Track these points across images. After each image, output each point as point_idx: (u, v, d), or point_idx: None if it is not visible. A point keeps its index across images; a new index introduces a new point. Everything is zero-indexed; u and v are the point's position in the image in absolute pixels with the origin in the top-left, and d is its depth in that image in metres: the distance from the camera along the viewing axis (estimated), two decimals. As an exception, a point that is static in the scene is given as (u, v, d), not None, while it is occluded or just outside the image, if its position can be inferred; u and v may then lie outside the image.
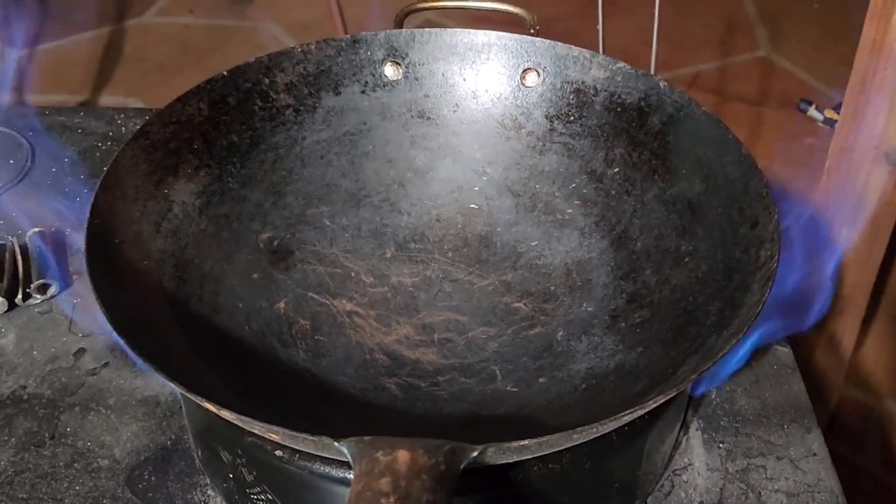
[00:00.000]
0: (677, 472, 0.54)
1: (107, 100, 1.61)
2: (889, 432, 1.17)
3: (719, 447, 0.56)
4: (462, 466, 0.38)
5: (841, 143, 0.89)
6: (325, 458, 0.45)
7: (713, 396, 0.59)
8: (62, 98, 1.59)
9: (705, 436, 0.56)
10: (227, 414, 0.41)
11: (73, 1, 1.88)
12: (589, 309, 0.56)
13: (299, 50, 0.62)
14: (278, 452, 0.46)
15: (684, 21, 1.78)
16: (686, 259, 0.54)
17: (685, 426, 0.57)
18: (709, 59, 1.71)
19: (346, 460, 0.39)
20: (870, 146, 0.86)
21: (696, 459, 0.55)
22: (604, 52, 0.64)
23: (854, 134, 0.87)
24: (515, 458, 0.43)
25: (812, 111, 1.53)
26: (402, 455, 0.36)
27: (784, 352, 0.61)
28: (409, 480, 0.35)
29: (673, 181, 0.57)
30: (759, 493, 0.53)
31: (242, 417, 0.40)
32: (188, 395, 0.42)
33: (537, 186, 0.62)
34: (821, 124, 1.53)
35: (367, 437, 0.38)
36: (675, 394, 0.42)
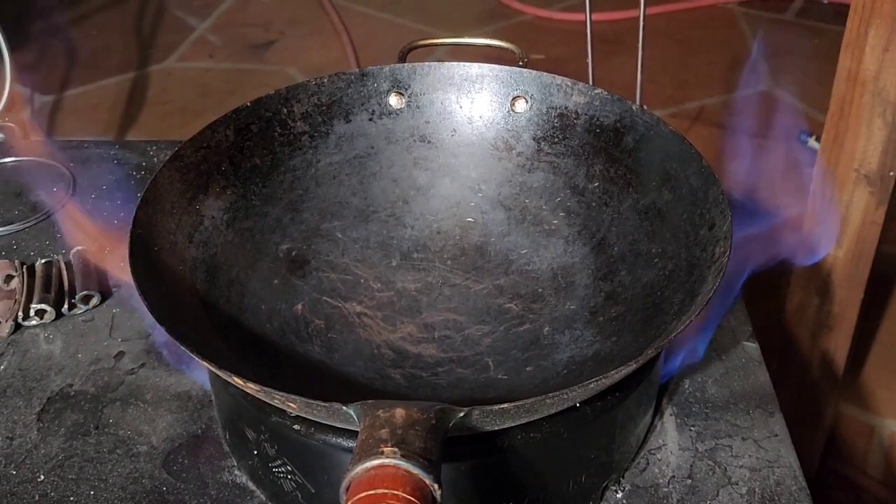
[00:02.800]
0: (652, 451, 0.61)
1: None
2: (891, 452, 1.20)
3: (690, 430, 0.62)
4: (451, 424, 0.45)
5: (824, 166, 0.95)
6: (338, 429, 0.52)
7: (686, 386, 0.65)
8: (91, 140, 1.67)
9: (678, 420, 0.63)
10: (251, 386, 0.48)
11: (99, 48, 1.96)
12: (572, 307, 0.63)
13: (314, 83, 0.69)
14: (296, 426, 0.53)
15: (690, 59, 1.84)
16: (656, 260, 0.61)
17: (660, 412, 0.63)
18: (713, 94, 1.77)
19: (355, 429, 0.46)
20: (850, 169, 0.92)
21: (669, 441, 0.61)
22: (593, 82, 0.71)
23: (835, 158, 0.93)
24: (499, 424, 0.49)
25: (812, 142, 1.58)
26: (399, 412, 0.43)
27: (752, 347, 0.68)
28: (404, 430, 0.42)
29: (645, 192, 0.64)
30: (725, 468, 0.59)
31: (265, 388, 0.47)
32: (218, 371, 0.49)
33: (526, 201, 0.69)
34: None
35: (370, 401, 0.45)
36: (635, 367, 0.49)
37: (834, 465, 1.16)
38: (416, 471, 0.40)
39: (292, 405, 0.48)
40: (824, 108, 0.91)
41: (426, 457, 0.41)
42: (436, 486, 0.41)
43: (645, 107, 0.68)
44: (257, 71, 1.87)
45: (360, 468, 0.41)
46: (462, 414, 0.45)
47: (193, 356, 0.49)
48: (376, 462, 0.41)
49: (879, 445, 1.19)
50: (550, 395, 0.46)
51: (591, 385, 0.47)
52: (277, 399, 0.48)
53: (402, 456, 0.41)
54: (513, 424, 0.51)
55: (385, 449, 0.41)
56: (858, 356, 1.23)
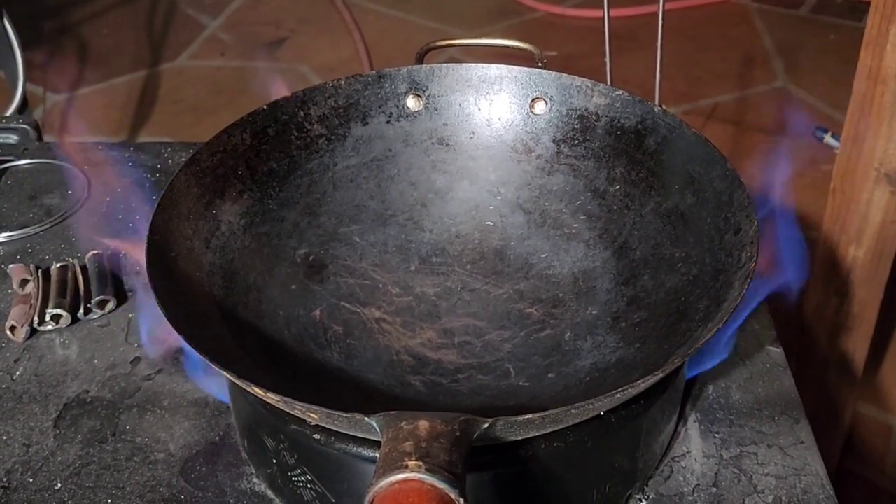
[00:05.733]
0: (676, 458, 0.60)
1: (144, 140, 1.68)
2: (910, 451, 1.19)
3: (715, 437, 0.61)
4: (475, 436, 0.44)
5: (843, 165, 0.94)
6: (359, 439, 0.51)
7: (710, 392, 0.64)
8: (103, 139, 1.67)
9: (702, 427, 0.62)
10: (272, 397, 0.47)
11: (111, 47, 1.96)
12: (593, 312, 0.62)
13: (331, 85, 0.69)
14: (317, 436, 0.52)
15: (704, 56, 1.83)
16: (679, 265, 0.60)
17: (683, 419, 0.62)
18: (727, 91, 1.76)
19: (377, 439, 0.45)
20: (870, 168, 0.90)
21: (693, 448, 0.61)
22: (611, 83, 0.70)
23: (855, 157, 0.92)
24: (523, 434, 0.49)
25: (828, 138, 1.57)
26: (423, 424, 0.43)
27: (776, 352, 0.67)
28: (428, 443, 0.41)
29: (667, 195, 0.63)
30: (751, 476, 0.58)
31: (285, 399, 0.46)
32: (238, 381, 0.48)
33: (546, 204, 0.68)
34: (836, 151, 1.57)
35: (392, 412, 0.44)
36: (661, 376, 0.48)
37: (852, 465, 1.15)
38: (441, 485, 0.40)
39: (313, 415, 0.47)
40: (838, 104, 0.90)
41: (451, 470, 0.40)
42: (461, 500, 0.40)
43: (664, 107, 0.67)
44: (269, 69, 1.87)
45: (384, 482, 0.40)
46: (486, 425, 0.44)
47: (212, 365, 0.48)
48: (401, 476, 0.40)
49: (898, 446, 1.19)
50: (576, 405, 0.46)
51: (617, 395, 0.47)
52: (298, 409, 0.47)
53: (427, 470, 0.40)
54: (536, 434, 0.50)
55: (409, 462, 0.40)
56: (877, 356, 1.22)
